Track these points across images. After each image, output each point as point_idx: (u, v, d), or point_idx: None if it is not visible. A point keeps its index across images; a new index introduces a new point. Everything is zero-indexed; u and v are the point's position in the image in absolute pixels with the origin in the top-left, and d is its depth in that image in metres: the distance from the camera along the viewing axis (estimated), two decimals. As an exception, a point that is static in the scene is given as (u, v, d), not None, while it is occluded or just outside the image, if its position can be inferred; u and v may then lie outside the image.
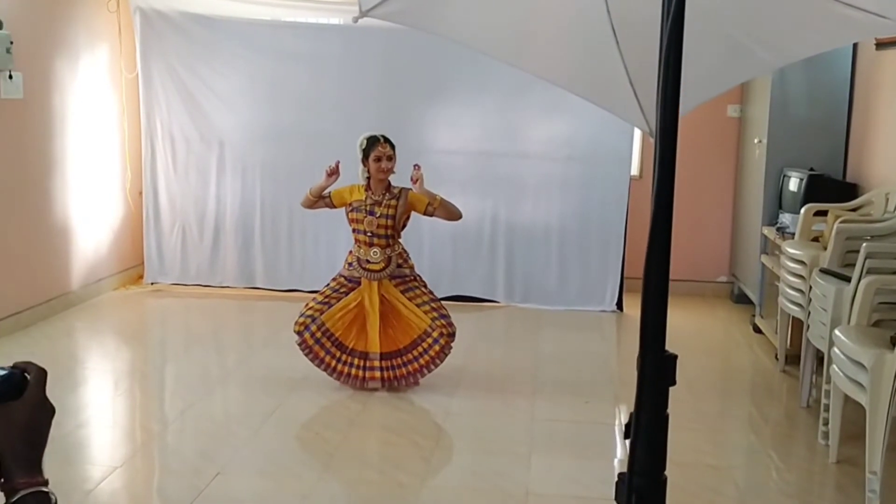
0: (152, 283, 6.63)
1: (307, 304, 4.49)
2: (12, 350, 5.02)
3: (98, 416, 4.18)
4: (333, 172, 4.41)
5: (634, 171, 6.46)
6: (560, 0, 1.93)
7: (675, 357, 1.32)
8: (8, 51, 5.04)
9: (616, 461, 3.79)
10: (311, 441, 3.97)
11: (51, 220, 5.73)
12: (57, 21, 5.71)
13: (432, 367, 4.44)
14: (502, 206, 6.35)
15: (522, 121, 6.28)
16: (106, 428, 4.07)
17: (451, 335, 4.42)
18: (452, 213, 4.50)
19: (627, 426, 1.30)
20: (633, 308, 6.14)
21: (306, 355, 4.44)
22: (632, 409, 1.35)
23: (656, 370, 1.28)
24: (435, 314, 4.40)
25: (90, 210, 6.16)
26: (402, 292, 4.42)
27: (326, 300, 4.45)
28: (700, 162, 6.55)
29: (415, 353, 4.43)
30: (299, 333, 4.42)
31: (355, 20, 2.03)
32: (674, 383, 1.31)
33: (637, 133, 6.27)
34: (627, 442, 1.31)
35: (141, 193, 6.64)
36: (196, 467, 3.53)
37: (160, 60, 6.40)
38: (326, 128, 6.20)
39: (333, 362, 4.44)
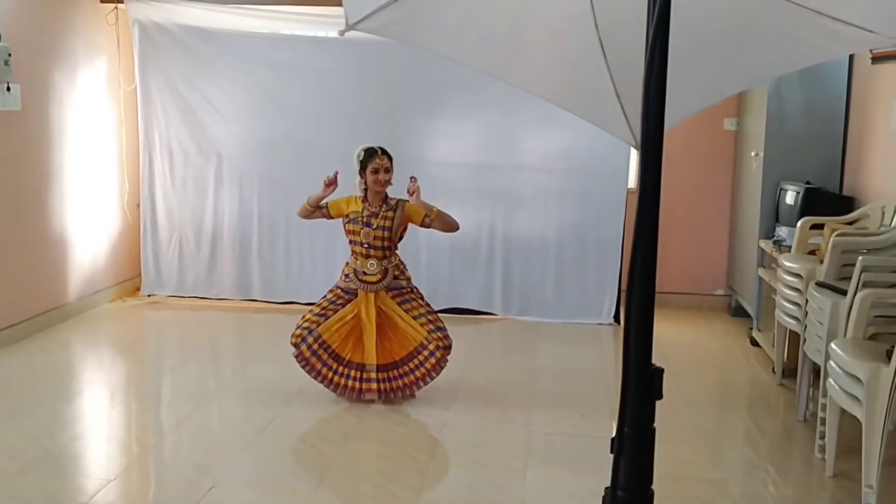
0: (149, 295, 6.63)
1: (304, 316, 4.49)
2: (8, 362, 5.02)
3: (93, 428, 4.16)
4: (332, 183, 4.42)
5: (632, 183, 6.46)
6: (548, 14, 1.94)
7: (661, 371, 1.31)
8: (6, 62, 5.06)
9: (612, 475, 3.78)
10: (307, 454, 3.95)
11: (48, 232, 5.73)
12: (56, 33, 5.73)
13: (428, 379, 4.44)
14: (499, 219, 6.35)
15: (519, 133, 6.29)
16: (101, 440, 4.05)
17: (447, 348, 4.42)
18: (449, 225, 4.51)
19: (613, 441, 1.29)
20: (631, 321, 6.13)
21: (303, 367, 4.43)
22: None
23: (641, 384, 1.27)
24: (431, 326, 4.40)
25: (87, 222, 6.16)
26: (399, 304, 4.42)
27: (323, 312, 4.44)
28: (697, 175, 6.56)
29: (411, 365, 4.42)
30: (296, 345, 4.41)
31: (341, 33, 2.03)
32: (660, 397, 1.30)
33: (634, 146, 6.27)
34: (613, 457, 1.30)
35: (138, 205, 6.64)
36: (191, 480, 3.52)
37: (158, 73, 6.42)
38: (324, 140, 6.21)
39: (330, 374, 4.43)
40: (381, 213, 4.36)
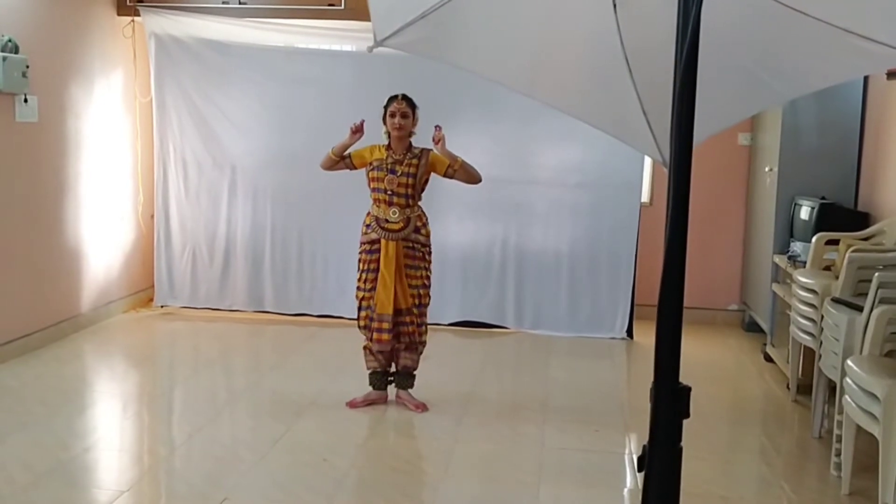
0: (162, 307, 6.65)
1: (358, 296, 4.47)
2: (22, 372, 5.03)
3: (106, 439, 4.16)
4: (358, 130, 4.45)
5: (645, 198, 6.46)
6: (574, 31, 1.94)
7: (689, 389, 1.30)
8: (24, 74, 5.10)
9: (626, 491, 3.75)
10: (319, 467, 3.93)
11: (62, 243, 5.76)
12: (72, 45, 5.78)
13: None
14: (512, 232, 6.35)
15: (532, 147, 6.29)
16: (113, 451, 4.05)
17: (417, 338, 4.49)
18: (473, 177, 4.52)
19: (640, 459, 1.28)
20: (644, 335, 6.11)
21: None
22: (643, 439, 1.33)
23: (670, 402, 1.26)
24: (415, 301, 4.43)
25: (102, 233, 6.19)
26: (407, 266, 4.42)
27: (369, 285, 4.42)
28: (711, 190, 6.54)
29: (406, 318, 4.46)
30: (366, 327, 4.47)
31: (370, 49, 2.04)
32: (688, 416, 1.29)
33: (647, 160, 6.27)
34: (641, 475, 1.29)
35: (153, 217, 6.67)
36: (203, 492, 3.52)
37: (174, 85, 6.46)
38: (337, 153, 6.22)
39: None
40: (406, 160, 4.38)
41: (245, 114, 6.47)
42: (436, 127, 4.38)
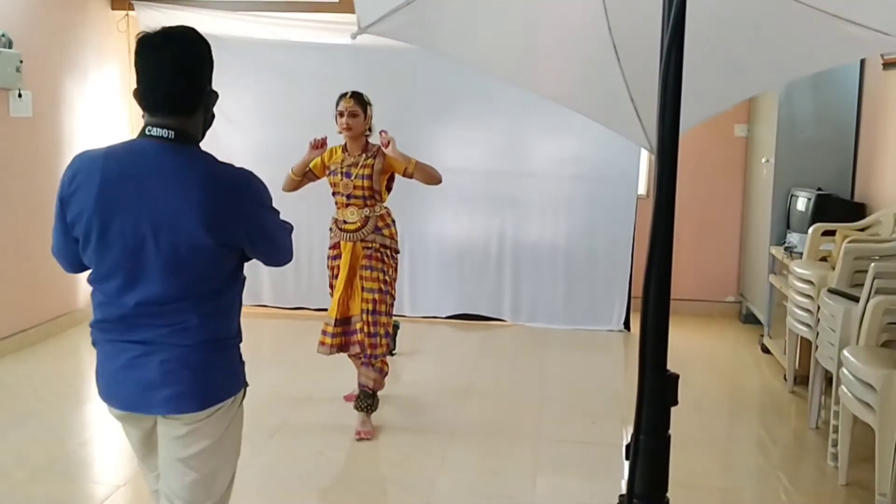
0: (159, 302, 6.63)
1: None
2: (18, 368, 5.03)
3: (102, 434, 4.16)
4: (319, 146, 4.20)
5: (641, 190, 6.45)
6: (561, 18, 1.93)
7: (677, 377, 1.29)
8: (17, 69, 5.08)
9: (623, 483, 3.75)
10: (315, 461, 3.93)
11: (58, 238, 5.75)
12: (67, 40, 5.76)
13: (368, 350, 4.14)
14: (509, 225, 6.35)
15: (529, 140, 6.29)
16: (110, 446, 4.05)
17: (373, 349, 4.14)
18: (431, 177, 4.20)
19: (628, 448, 1.27)
20: (641, 328, 6.11)
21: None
22: (636, 430, 1.33)
23: (656, 391, 1.25)
24: (368, 307, 4.09)
25: (98, 228, 6.17)
26: (364, 266, 4.13)
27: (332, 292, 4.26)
28: (707, 181, 6.53)
29: (356, 326, 4.16)
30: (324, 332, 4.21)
31: (353, 36, 2.02)
32: (675, 403, 1.29)
33: (644, 152, 6.26)
34: (628, 463, 1.29)
35: (148, 212, 6.65)
36: (199, 486, 3.51)
37: (169, 80, 6.43)
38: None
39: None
40: (361, 161, 4.14)
41: (240, 108, 6.44)
42: (381, 132, 4.12)
